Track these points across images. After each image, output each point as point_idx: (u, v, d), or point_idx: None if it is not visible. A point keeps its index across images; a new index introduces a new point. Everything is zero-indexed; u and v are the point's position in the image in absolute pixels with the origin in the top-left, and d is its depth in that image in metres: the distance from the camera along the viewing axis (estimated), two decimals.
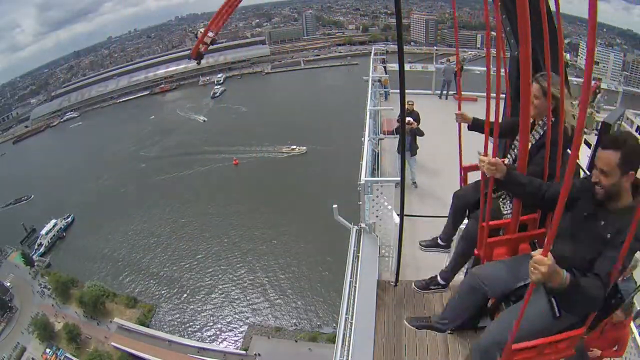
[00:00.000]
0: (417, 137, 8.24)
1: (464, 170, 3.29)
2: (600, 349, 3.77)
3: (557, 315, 2.13)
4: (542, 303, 2.17)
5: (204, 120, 71.99)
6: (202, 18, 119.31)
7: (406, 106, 9.11)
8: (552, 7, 2.53)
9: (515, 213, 2.53)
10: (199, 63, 7.49)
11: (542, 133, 2.74)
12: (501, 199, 3.01)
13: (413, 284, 3.62)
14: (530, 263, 1.74)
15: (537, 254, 1.73)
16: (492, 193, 2.50)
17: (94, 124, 78.74)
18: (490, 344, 2.31)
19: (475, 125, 3.16)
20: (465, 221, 3.32)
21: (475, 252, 2.75)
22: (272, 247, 41.59)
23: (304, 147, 57.31)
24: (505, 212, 2.90)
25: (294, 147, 57.92)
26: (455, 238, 3.52)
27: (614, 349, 3.80)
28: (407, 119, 8.06)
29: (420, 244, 3.74)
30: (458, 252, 3.31)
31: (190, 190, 51.65)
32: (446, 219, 3.57)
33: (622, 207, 2.02)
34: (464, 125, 3.21)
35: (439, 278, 3.46)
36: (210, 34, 6.08)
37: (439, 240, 3.63)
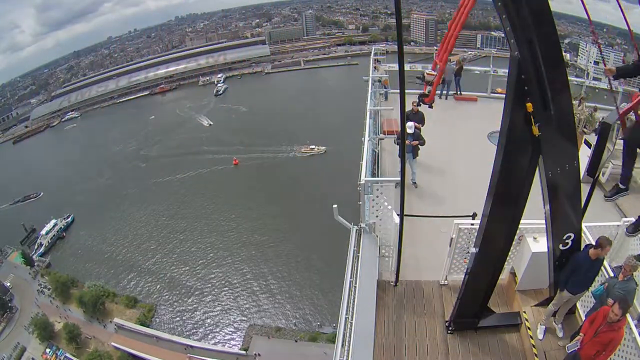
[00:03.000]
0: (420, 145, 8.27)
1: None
2: (595, 351, 3.71)
3: None
4: None
5: (210, 124, 70.23)
6: (202, 18, 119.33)
7: (411, 106, 9.17)
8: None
9: None
10: (431, 107, 7.64)
11: None
12: None
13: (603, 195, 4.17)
14: None
15: None
16: None
17: (94, 124, 78.63)
18: None
19: (622, 72, 3.71)
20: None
21: None
22: (274, 248, 41.55)
23: (323, 147, 56.85)
24: None
25: (313, 147, 57.58)
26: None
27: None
28: (414, 141, 8.09)
29: (605, 197, 4.22)
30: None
31: (191, 191, 51.53)
32: (447, 218, 3.57)
33: None
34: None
35: (620, 185, 3.94)
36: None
37: (620, 186, 4.03)
